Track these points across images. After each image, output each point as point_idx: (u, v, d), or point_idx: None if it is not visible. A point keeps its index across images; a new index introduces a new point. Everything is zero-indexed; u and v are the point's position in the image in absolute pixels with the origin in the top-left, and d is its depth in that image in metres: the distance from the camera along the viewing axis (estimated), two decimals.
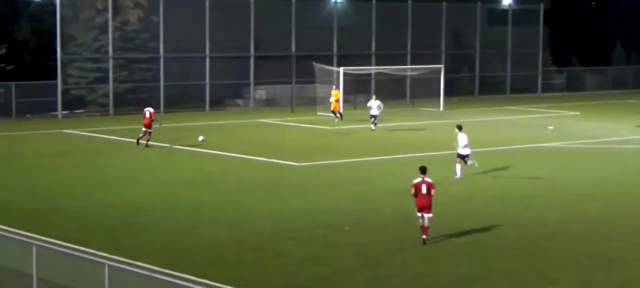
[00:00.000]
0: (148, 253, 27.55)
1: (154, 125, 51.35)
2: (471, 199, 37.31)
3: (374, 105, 60.51)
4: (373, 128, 59.89)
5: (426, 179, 28.90)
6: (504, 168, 45.53)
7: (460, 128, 42.23)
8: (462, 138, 41.64)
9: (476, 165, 42.11)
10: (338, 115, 65.02)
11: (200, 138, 51.68)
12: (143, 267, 24.69)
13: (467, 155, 41.70)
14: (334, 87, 68.36)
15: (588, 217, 34.30)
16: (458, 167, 41.57)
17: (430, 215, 28.88)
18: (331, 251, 28.51)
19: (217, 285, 23.62)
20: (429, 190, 28.74)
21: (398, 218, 33.18)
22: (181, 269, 25.36)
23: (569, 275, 26.14)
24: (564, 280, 25.70)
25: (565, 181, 41.89)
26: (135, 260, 26.03)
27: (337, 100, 65.64)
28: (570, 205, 36.25)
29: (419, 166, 29.60)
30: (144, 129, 51.32)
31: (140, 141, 51.37)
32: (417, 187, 28.87)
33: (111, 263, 22.12)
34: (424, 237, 28.85)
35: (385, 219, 33.13)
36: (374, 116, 60.15)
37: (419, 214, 28.94)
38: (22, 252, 23.81)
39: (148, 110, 51.48)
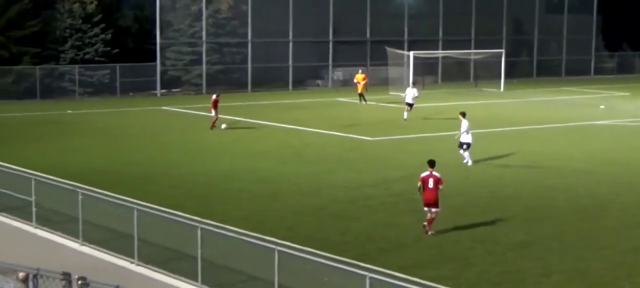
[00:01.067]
0: (236, 218, 27.63)
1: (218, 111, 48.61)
2: (529, 171, 36.91)
3: (410, 93, 53.24)
4: (405, 117, 52.22)
5: (434, 173, 25.94)
6: (559, 143, 45.02)
7: (464, 115, 38.36)
8: (464, 124, 37.73)
9: (469, 163, 37.34)
10: (363, 99, 62.41)
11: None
12: (232, 230, 24.76)
13: (468, 144, 37.66)
14: (360, 70, 65.62)
15: (637, 188, 33.75)
16: (466, 154, 37.61)
17: (438, 209, 25.95)
18: (402, 218, 28.38)
19: (299, 246, 23.61)
20: (436, 184, 25.78)
21: (461, 188, 32.95)
22: (266, 232, 25.38)
23: (619, 241, 25.72)
24: (614, 246, 25.31)
25: (615, 156, 41.26)
26: (224, 224, 26.12)
27: (363, 84, 62.75)
28: (620, 178, 35.66)
29: (428, 159, 26.80)
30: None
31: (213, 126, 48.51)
32: (425, 180, 26.00)
33: (203, 226, 22.23)
34: (430, 232, 25.83)
35: (450, 188, 32.86)
36: (410, 105, 52.77)
37: (426, 209, 26.05)
38: (125, 216, 24.05)
39: (214, 96, 49.34)
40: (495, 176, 35.62)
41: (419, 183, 26.19)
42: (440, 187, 25.98)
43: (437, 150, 41.93)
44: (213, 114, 48.54)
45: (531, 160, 39.51)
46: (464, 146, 37.52)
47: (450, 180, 34.69)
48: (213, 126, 48.35)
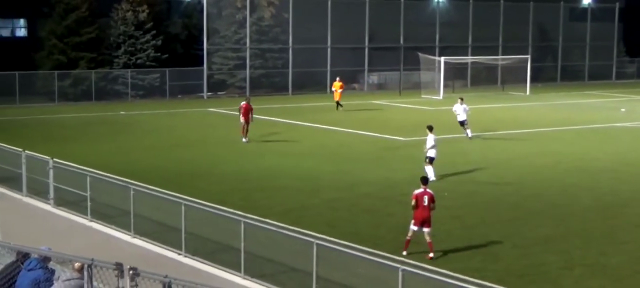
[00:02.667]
0: (277, 213, 27.65)
1: (250, 120, 44.17)
2: (555, 170, 36.66)
3: (460, 109, 45.93)
4: (469, 135, 45.56)
5: (428, 190, 23.34)
6: (582, 144, 44.68)
7: (430, 129, 34.29)
8: (430, 140, 33.92)
9: (434, 179, 32.62)
10: (340, 106, 58.91)
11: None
12: (273, 224, 24.79)
13: (433, 158, 33.67)
14: (337, 78, 61.43)
15: None
16: (429, 169, 33.35)
17: (430, 229, 23.12)
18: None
19: (335, 240, 23.59)
20: (430, 202, 23.14)
21: (490, 185, 32.79)
22: (305, 226, 25.39)
23: None
24: (635, 240, 25.10)
25: (635, 156, 40.87)
26: (266, 218, 26.14)
27: (340, 92, 59.20)
28: None
29: (420, 177, 24.80)
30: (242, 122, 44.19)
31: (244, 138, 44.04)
32: (419, 198, 23.15)
33: (246, 220, 22.26)
34: (431, 255, 22.96)
35: (479, 185, 32.75)
36: (463, 122, 45.94)
37: (415, 228, 23.12)
38: (174, 210, 24.14)
39: (243, 105, 44.67)
40: (521, 175, 35.40)
41: (413, 201, 23.29)
42: (433, 205, 23.30)
43: (466, 150, 41.83)
44: (243, 121, 43.92)
45: (555, 160, 39.23)
46: (427, 160, 33.63)
47: (481, 176, 34.58)
48: (246, 134, 44.07)
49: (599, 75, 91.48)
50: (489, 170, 36.06)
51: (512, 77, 79.06)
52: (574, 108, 63.98)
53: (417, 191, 23.46)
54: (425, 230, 23.08)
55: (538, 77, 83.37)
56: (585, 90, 79.64)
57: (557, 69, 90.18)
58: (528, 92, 74.14)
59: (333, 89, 61.06)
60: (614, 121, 54.58)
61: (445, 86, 70.98)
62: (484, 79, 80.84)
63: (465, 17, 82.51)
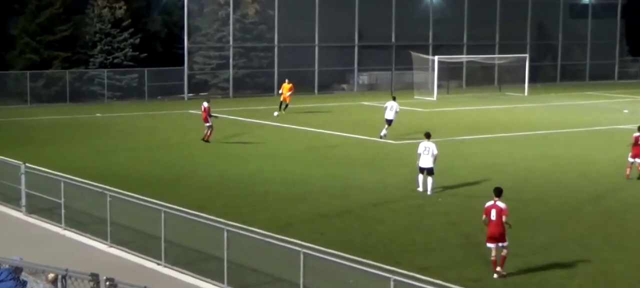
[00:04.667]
0: (263, 220, 27.61)
1: (211, 119, 44.74)
2: (554, 174, 36.71)
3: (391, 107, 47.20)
4: (382, 134, 46.42)
5: (498, 203, 22.39)
6: (583, 147, 44.78)
7: (428, 136, 33.10)
8: (420, 146, 32.83)
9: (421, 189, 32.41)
10: (284, 107, 57.86)
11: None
12: (258, 232, 24.75)
13: (423, 168, 32.47)
14: (286, 80, 59.86)
15: None
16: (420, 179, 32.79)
17: (505, 243, 22.34)
18: (426, 220, 28.29)
19: (324, 248, 23.56)
20: (499, 216, 22.23)
21: (488, 190, 32.78)
22: (292, 234, 25.35)
23: None
24: (639, 247, 25.13)
25: None
26: (251, 226, 26.08)
27: (289, 95, 57.97)
28: None
29: (494, 187, 23.37)
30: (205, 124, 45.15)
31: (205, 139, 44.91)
32: (487, 212, 22.51)
33: (229, 228, 22.21)
34: (498, 269, 22.33)
35: (476, 191, 32.76)
36: (390, 122, 46.89)
37: (491, 246, 22.39)
38: (153, 217, 24.07)
39: (203, 105, 45.48)
40: (519, 179, 35.45)
41: (483, 216, 22.71)
42: (505, 218, 22.36)
43: (462, 153, 41.89)
44: (209, 124, 44.67)
45: (555, 164, 39.31)
46: (425, 171, 32.54)
47: (477, 181, 34.61)
48: (208, 138, 44.80)
49: (600, 75, 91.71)
50: (486, 174, 36.07)
51: (509, 77, 79.24)
52: (574, 109, 64.13)
53: (487, 204, 22.76)
54: (501, 245, 22.37)
55: (537, 77, 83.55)
56: (587, 91, 79.83)
57: (556, 69, 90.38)
58: (526, 93, 74.32)
59: (281, 91, 59.74)
60: (617, 123, 54.69)
61: (439, 87, 71.10)
62: (480, 79, 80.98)
63: (460, 14, 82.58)
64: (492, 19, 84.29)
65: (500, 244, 22.36)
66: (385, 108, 47.56)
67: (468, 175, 36.06)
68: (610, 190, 33.57)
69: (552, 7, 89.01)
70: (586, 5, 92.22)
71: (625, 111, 61.64)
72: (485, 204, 22.85)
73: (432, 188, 32.34)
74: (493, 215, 22.36)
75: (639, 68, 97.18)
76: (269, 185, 33.92)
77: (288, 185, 33.98)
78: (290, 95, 58.57)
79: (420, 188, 32.61)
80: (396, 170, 36.98)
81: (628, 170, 35.62)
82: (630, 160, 35.77)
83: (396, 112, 47.09)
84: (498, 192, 22.83)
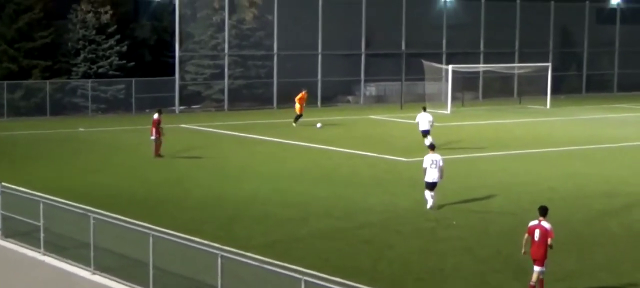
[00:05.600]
0: (261, 245, 27.52)
1: (159, 132, 45.65)
2: (580, 195, 36.60)
3: (423, 119, 48.59)
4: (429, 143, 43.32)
5: (543, 223, 22.48)
6: (611, 165, 44.69)
7: (432, 148, 34.34)
8: (426, 160, 33.09)
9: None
10: (296, 118, 59.34)
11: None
12: (255, 258, 24.65)
13: (427, 182, 32.86)
14: (304, 89, 61.55)
15: None
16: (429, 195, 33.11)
17: (541, 268, 22.42)
18: (440, 245, 28.19)
19: (328, 276, 23.46)
20: (543, 238, 22.28)
21: (504, 213, 32.71)
22: (293, 260, 25.26)
23: None
24: None
25: None
26: (247, 251, 25.99)
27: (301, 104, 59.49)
28: None
29: (539, 206, 23.19)
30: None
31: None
32: (530, 232, 22.62)
33: (224, 254, 22.11)
34: None
35: (493, 213, 32.65)
36: (426, 132, 48.05)
37: (537, 269, 22.53)
38: (140, 242, 23.98)
39: (154, 116, 46.32)
40: (542, 200, 35.24)
41: (526, 236, 22.76)
42: (550, 241, 22.30)
43: (478, 171, 41.80)
44: (154, 137, 45.59)
45: (580, 184, 39.21)
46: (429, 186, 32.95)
47: (495, 202, 34.51)
48: (158, 153, 45.61)
49: (630, 86, 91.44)
50: (505, 195, 36.00)
51: (530, 88, 79.19)
52: (601, 123, 64.08)
53: (531, 223, 22.78)
54: (536, 269, 22.41)
55: (560, 88, 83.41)
56: (614, 103, 79.81)
57: (582, 79, 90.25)
58: (548, 105, 74.23)
59: (297, 101, 60.09)
60: None
61: (453, 99, 71.02)
62: (498, 90, 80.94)
63: (476, 19, 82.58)
64: (512, 24, 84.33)
65: (535, 268, 22.34)
66: (417, 123, 48.55)
67: (485, 195, 35.95)
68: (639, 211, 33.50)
69: (577, 11, 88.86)
70: (614, 10, 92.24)
71: None
72: (528, 223, 22.76)
73: (433, 205, 32.55)
74: (537, 235, 22.38)
75: None
76: (269, 206, 33.83)
77: (289, 206, 33.89)
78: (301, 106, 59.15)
79: (429, 206, 32.62)
80: (407, 191, 36.87)
81: None
82: None
83: (430, 122, 48.06)
84: (543, 211, 22.75)
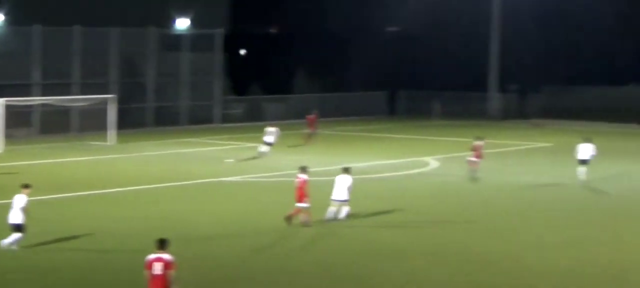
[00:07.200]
0: None
1: None
2: (116, 240, 37.59)
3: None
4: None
5: (164, 255, 23.60)
6: (181, 205, 46.31)
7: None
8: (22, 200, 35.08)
9: None
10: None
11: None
12: None
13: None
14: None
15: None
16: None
17: None
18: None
19: None
20: (165, 270, 23.36)
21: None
22: None
23: None
24: None
25: (269, 219, 42.91)
26: None
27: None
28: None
29: (157, 239, 24.40)
30: None
31: None
32: (149, 265, 23.59)
33: None
34: None
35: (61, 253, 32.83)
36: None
37: None
38: None
39: None
40: (81, 259, 35.88)
41: (145, 271, 23.98)
42: (172, 274, 23.58)
43: (49, 217, 41.85)
44: None
45: (90, 229, 39.69)
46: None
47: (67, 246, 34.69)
48: None
49: (201, 118, 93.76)
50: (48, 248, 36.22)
51: (93, 123, 79.21)
52: (170, 159, 65.77)
53: (149, 256, 23.72)
54: None
55: (125, 122, 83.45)
56: (185, 137, 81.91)
57: (148, 111, 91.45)
58: (112, 141, 74.75)
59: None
60: (220, 175, 57.01)
61: (7, 136, 70.18)
62: (56, 125, 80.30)
63: (28, 47, 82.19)
64: (70, 53, 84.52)
65: None
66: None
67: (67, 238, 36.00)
68: (237, 256, 35.11)
69: (142, 37, 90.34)
70: (179, 36, 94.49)
71: (229, 160, 63.91)
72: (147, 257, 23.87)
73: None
74: (157, 268, 23.44)
75: (243, 109, 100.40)
76: None
77: None
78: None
79: None
80: None
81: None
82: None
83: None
84: (161, 244, 23.88)
